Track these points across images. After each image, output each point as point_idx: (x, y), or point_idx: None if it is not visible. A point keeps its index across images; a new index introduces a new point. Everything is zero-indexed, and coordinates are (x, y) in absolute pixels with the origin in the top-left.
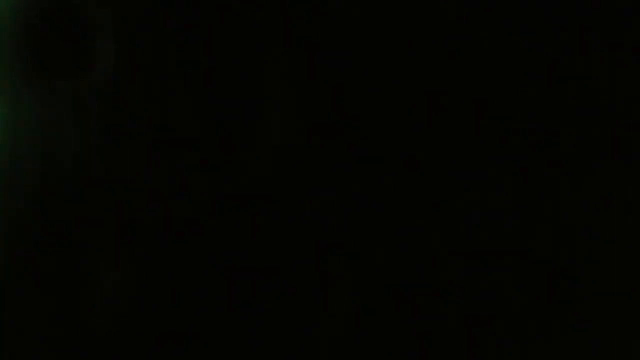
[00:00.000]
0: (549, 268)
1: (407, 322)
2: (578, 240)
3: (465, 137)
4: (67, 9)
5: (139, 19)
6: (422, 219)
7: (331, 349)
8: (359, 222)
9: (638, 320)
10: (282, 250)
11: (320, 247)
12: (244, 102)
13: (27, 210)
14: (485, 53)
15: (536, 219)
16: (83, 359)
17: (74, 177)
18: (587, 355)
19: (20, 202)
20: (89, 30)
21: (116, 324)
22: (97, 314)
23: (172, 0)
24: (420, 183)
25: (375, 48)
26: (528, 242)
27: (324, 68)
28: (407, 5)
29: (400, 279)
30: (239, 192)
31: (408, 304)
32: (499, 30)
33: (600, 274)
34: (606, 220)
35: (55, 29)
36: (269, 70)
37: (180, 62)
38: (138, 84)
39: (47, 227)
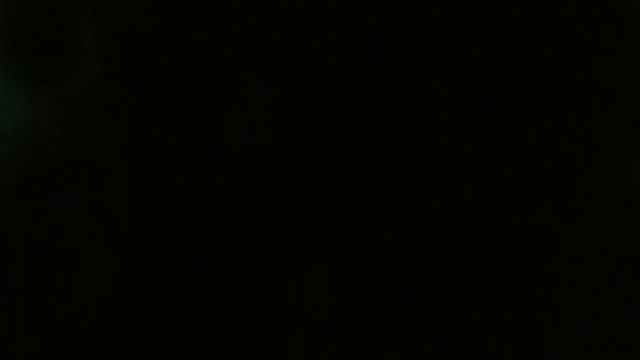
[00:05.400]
0: (535, 268)
1: (385, 321)
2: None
3: (449, 135)
4: (54, 14)
5: (125, 23)
6: (405, 217)
7: (308, 348)
8: (339, 221)
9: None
10: (263, 248)
11: (301, 245)
12: (228, 103)
13: (10, 208)
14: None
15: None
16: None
17: (58, 176)
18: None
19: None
20: (75, 34)
21: (99, 319)
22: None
23: (157, 4)
24: (404, 182)
25: (363, 45)
26: (512, 244)
27: (309, 66)
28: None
29: (380, 278)
30: (222, 188)
31: (386, 303)
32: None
33: (588, 273)
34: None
35: (43, 33)
36: (252, 71)
37: (166, 66)
38: (123, 85)
39: (29, 224)
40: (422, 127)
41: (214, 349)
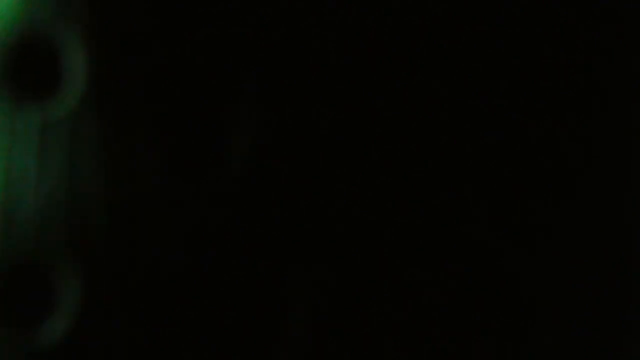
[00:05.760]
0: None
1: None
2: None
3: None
4: (38, 38)
5: (112, 43)
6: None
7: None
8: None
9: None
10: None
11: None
12: (227, 102)
13: None
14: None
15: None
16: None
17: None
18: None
19: None
20: (60, 58)
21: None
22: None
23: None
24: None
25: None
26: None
27: (309, 66)
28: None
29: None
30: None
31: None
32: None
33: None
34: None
35: (26, 57)
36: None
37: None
38: (109, 107)
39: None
40: (423, 127)
41: (213, 349)
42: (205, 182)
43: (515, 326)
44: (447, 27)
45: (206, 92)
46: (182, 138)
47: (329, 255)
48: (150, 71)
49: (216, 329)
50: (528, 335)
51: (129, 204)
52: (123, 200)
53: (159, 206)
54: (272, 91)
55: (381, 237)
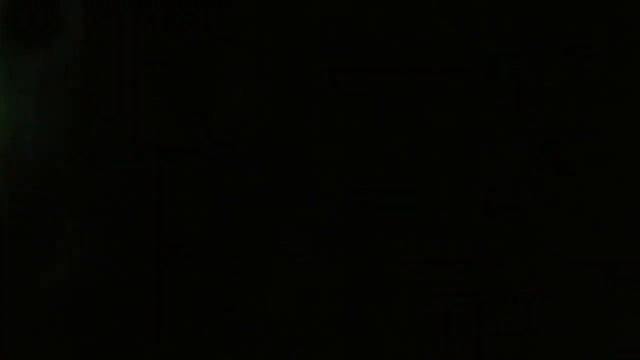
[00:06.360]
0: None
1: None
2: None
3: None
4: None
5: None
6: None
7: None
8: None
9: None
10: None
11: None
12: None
13: None
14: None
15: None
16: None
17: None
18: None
19: None
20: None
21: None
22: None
23: None
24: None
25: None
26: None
27: (305, 62)
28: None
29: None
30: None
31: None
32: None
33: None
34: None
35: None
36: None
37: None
38: (108, 63)
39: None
40: (420, 127)
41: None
42: (204, 132)
43: (514, 326)
44: (448, 26)
45: (205, 44)
46: (181, 86)
47: (326, 251)
48: (150, 21)
49: (213, 278)
50: (528, 334)
51: (130, 151)
52: (124, 148)
53: (160, 155)
54: (267, 86)
55: (378, 234)
